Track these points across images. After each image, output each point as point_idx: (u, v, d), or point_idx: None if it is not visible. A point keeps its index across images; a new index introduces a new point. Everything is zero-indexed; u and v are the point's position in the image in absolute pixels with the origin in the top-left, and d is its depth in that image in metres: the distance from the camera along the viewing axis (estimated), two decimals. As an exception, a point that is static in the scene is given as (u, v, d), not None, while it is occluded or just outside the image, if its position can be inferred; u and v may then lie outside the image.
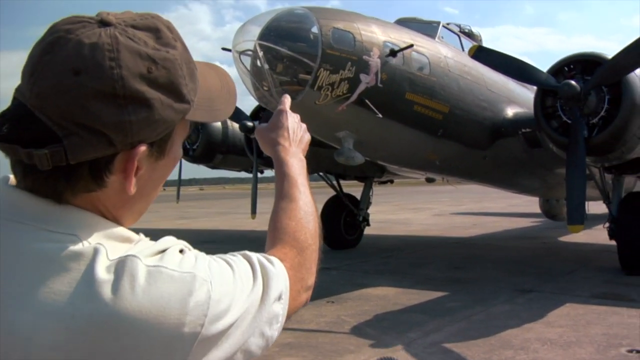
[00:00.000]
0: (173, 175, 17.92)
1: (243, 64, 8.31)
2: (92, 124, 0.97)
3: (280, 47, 7.94)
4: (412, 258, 12.92)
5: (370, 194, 15.84)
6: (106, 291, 0.94)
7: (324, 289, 9.27)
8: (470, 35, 12.18)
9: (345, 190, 15.59)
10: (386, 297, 8.75)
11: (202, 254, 1.11)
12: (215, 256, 1.15)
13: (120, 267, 0.98)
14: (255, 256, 1.20)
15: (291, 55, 7.98)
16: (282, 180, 1.48)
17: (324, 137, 9.52)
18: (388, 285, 9.56)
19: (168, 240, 1.10)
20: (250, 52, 8.17)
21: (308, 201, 1.47)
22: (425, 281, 9.91)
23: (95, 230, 1.04)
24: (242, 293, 1.10)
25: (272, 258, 1.23)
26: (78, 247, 0.99)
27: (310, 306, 8.10)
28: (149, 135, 1.04)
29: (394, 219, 24.51)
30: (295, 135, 1.60)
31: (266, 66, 8.04)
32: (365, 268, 11.56)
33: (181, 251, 1.08)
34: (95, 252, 0.99)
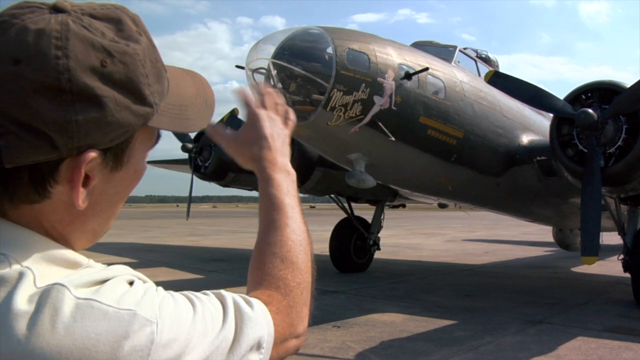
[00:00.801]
0: (186, 192, 17.93)
1: (256, 82, 8.25)
2: (32, 121, 0.83)
3: (294, 66, 7.87)
4: (422, 284, 12.74)
5: (382, 217, 15.71)
6: (21, 326, 0.78)
7: (330, 313, 9.14)
8: (487, 60, 12.10)
9: (357, 212, 15.47)
10: (393, 324, 8.58)
11: (156, 288, 0.93)
12: (178, 293, 0.96)
13: (44, 297, 0.81)
14: (230, 296, 1.02)
15: (305, 75, 7.90)
16: (267, 203, 1.24)
17: (336, 158, 9.45)
18: (396, 312, 9.39)
19: (116, 270, 0.92)
20: (263, 70, 8.11)
21: (297, 227, 1.23)
22: (434, 308, 9.73)
23: (30, 250, 0.87)
24: (204, 337, 0.92)
25: (252, 300, 1.05)
26: (2, 269, 0.83)
27: (315, 330, 7.97)
28: (101, 140, 0.89)
29: (405, 243, 24.33)
30: (275, 141, 1.32)
31: (279, 85, 7.97)
32: (373, 293, 11.40)
33: (131, 283, 0.90)
34: (20, 277, 0.83)
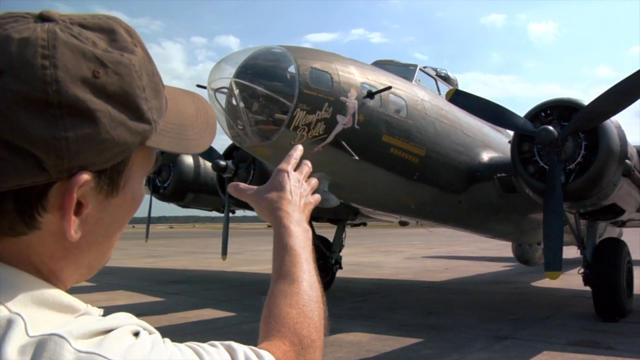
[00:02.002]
0: (142, 213, 17.74)
1: (218, 101, 8.16)
2: (16, 139, 0.73)
3: (257, 86, 7.81)
4: (385, 302, 12.72)
5: (343, 236, 15.68)
6: None
7: (296, 334, 9.02)
8: (446, 79, 12.23)
9: (317, 231, 15.40)
10: (360, 344, 8.52)
11: (164, 341, 0.84)
12: (186, 344, 0.87)
13: (39, 350, 0.71)
14: (241, 350, 0.92)
15: (267, 94, 7.85)
16: (283, 254, 1.19)
17: (299, 178, 9.38)
18: (362, 331, 9.34)
19: (120, 318, 0.82)
20: (225, 90, 8.03)
21: (313, 282, 1.18)
22: (399, 327, 9.70)
23: (17, 291, 0.77)
24: None
25: (263, 353, 0.96)
26: None
27: (282, 352, 7.84)
28: (94, 160, 0.79)
29: (365, 261, 24.36)
30: (298, 198, 1.31)
31: (241, 104, 7.90)
32: (338, 312, 11.31)
33: (136, 334, 0.81)
34: (9, 324, 0.72)
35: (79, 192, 0.80)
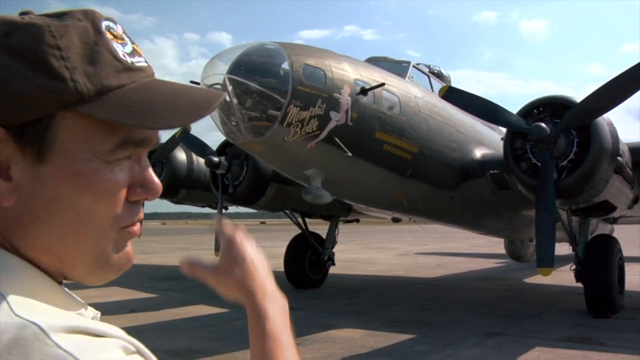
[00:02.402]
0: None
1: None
2: None
3: (250, 82, 7.81)
4: (378, 299, 12.75)
5: (336, 232, 15.71)
6: None
7: (289, 330, 9.04)
8: (439, 76, 12.25)
9: (310, 228, 15.42)
10: (352, 340, 8.54)
11: None
12: None
13: (17, 338, 0.71)
14: None
15: (261, 91, 7.85)
16: (263, 341, 1.08)
17: (292, 174, 9.40)
18: (354, 327, 9.35)
19: (113, 329, 0.82)
20: (219, 86, 8.02)
21: None
22: (392, 323, 9.73)
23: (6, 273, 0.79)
24: None
25: None
26: None
27: (275, 348, 7.85)
28: None
29: (358, 258, 24.39)
30: (257, 264, 1.17)
31: (235, 101, 7.89)
32: (330, 309, 11.35)
33: (126, 351, 0.80)
34: None
35: (2, 153, 0.82)
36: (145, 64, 0.94)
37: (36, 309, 0.75)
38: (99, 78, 0.85)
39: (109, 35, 0.89)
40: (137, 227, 0.96)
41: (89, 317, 0.85)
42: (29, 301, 0.77)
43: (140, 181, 0.93)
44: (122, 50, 0.89)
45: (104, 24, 0.89)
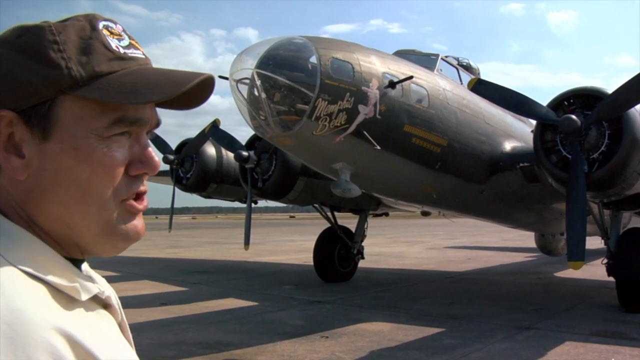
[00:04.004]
0: (166, 204, 17.82)
1: (240, 92, 8.20)
2: None
3: (278, 76, 7.84)
4: (407, 292, 12.72)
5: (365, 226, 15.69)
6: None
7: (317, 324, 9.09)
8: (468, 68, 12.16)
9: (340, 222, 15.43)
10: (381, 333, 8.55)
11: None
12: None
13: None
14: None
15: (289, 85, 7.87)
16: None
17: (321, 168, 9.42)
18: (383, 321, 9.36)
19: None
20: (247, 81, 8.07)
21: None
22: (421, 317, 9.71)
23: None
24: None
25: None
26: None
27: (303, 341, 7.93)
28: (8, 97, 0.95)
29: (387, 251, 24.34)
30: None
31: (263, 95, 7.93)
32: (359, 302, 11.36)
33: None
34: None
35: (17, 135, 0.96)
36: (141, 55, 1.06)
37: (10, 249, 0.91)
38: (90, 65, 0.98)
39: (105, 32, 1.02)
40: (140, 202, 1.06)
41: (83, 289, 0.96)
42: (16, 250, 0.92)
43: (140, 157, 1.04)
44: (116, 43, 1.03)
45: (102, 23, 1.03)
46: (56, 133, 0.96)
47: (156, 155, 1.07)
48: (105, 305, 1.06)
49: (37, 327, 0.83)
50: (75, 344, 0.86)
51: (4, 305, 0.82)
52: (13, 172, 0.95)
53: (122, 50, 1.02)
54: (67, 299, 0.93)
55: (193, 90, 1.04)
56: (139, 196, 1.05)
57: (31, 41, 0.96)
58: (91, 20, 1.02)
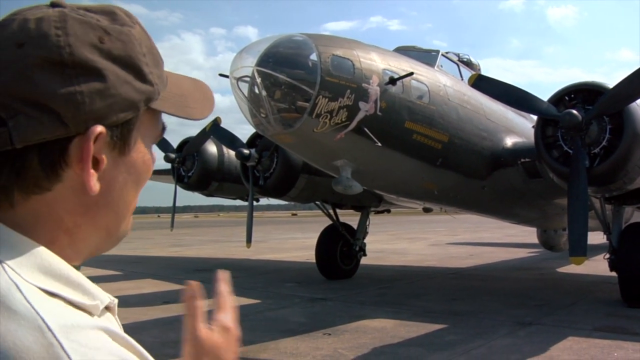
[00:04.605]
0: (167, 202, 17.87)
1: (241, 90, 8.20)
2: (39, 97, 0.84)
3: (279, 74, 7.83)
4: (409, 289, 12.73)
5: (367, 223, 15.69)
6: None
7: (320, 321, 9.10)
8: (469, 64, 12.14)
9: (341, 219, 15.43)
10: (384, 330, 8.55)
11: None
12: None
13: None
14: None
15: (289, 82, 7.87)
16: None
17: (322, 165, 9.41)
18: (386, 317, 9.36)
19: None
20: (248, 79, 8.06)
21: None
22: (423, 313, 9.72)
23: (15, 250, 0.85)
24: None
25: None
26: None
27: (306, 338, 7.93)
28: (106, 114, 0.88)
29: (389, 248, 24.36)
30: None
31: (264, 93, 7.93)
32: (362, 299, 11.37)
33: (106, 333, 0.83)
34: None
35: (96, 147, 0.88)
36: None
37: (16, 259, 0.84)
38: (162, 78, 0.99)
39: None
40: None
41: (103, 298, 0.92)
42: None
43: None
44: None
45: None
46: (133, 146, 0.96)
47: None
48: (107, 307, 1.01)
49: (93, 331, 0.80)
50: (119, 339, 0.84)
51: (55, 324, 0.77)
52: (89, 184, 0.88)
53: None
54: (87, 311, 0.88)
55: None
56: None
57: (125, 51, 0.91)
58: (139, 24, 0.98)
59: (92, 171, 0.88)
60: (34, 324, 0.76)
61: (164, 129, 1.05)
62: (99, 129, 0.87)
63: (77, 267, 0.97)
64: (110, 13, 0.94)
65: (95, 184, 0.89)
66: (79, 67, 0.86)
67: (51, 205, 0.89)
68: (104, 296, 0.93)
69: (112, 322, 0.96)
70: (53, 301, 0.82)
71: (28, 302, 0.78)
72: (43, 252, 0.87)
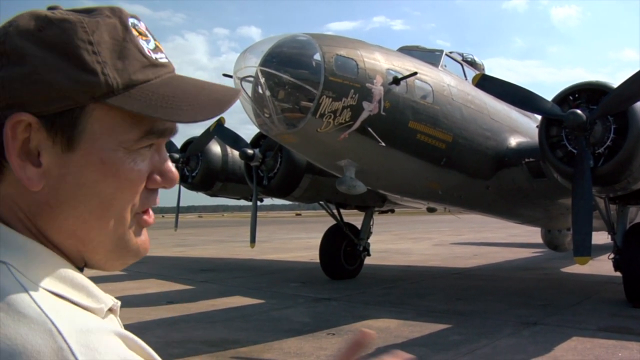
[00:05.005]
0: (171, 202, 17.83)
1: (244, 90, 8.20)
2: None
3: (282, 74, 7.83)
4: (413, 289, 12.71)
5: (371, 223, 15.68)
6: None
7: (323, 321, 9.09)
8: (472, 64, 12.13)
9: (345, 219, 15.43)
10: (388, 330, 8.54)
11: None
12: None
13: None
14: None
15: (293, 82, 7.87)
16: None
17: (326, 165, 9.42)
18: (390, 317, 9.35)
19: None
20: (251, 79, 8.06)
21: None
22: (427, 313, 9.70)
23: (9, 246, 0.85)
24: None
25: None
26: None
27: (310, 338, 7.93)
28: (30, 101, 0.85)
29: (393, 248, 24.33)
30: None
31: (267, 93, 7.93)
32: (366, 299, 11.36)
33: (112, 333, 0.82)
34: None
35: (33, 141, 0.86)
36: (167, 60, 0.99)
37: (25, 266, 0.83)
38: (127, 72, 0.90)
39: (134, 32, 0.94)
40: (150, 215, 1.01)
41: (99, 306, 0.89)
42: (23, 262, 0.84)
43: (160, 170, 0.98)
44: (146, 47, 0.95)
45: (130, 21, 0.95)
46: (82, 144, 0.89)
47: (174, 167, 1.01)
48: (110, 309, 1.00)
49: (102, 334, 0.79)
50: (130, 343, 0.83)
51: (64, 328, 0.76)
52: (28, 182, 0.86)
53: (153, 56, 0.95)
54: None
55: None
56: (147, 209, 1.00)
57: (60, 37, 0.86)
58: (121, 18, 0.93)
59: (19, 161, 0.86)
60: (44, 327, 0.75)
61: (171, 132, 0.98)
62: (22, 116, 0.84)
63: (81, 269, 0.97)
64: (92, 10, 0.93)
65: (28, 177, 0.86)
66: (7, 54, 0.85)
67: (12, 202, 0.89)
68: (107, 299, 0.93)
69: (115, 324, 0.95)
70: (61, 303, 0.81)
71: (37, 304, 0.77)
72: (46, 254, 0.87)
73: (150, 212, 1.01)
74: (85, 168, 0.89)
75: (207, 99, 0.97)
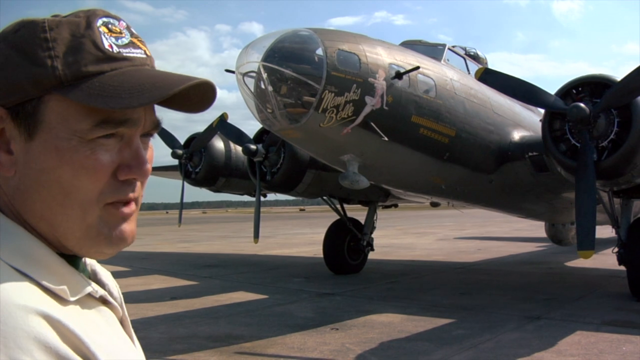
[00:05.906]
0: (175, 198, 17.81)
1: (247, 86, 8.19)
2: None
3: (284, 69, 7.82)
4: (417, 283, 12.72)
5: (375, 218, 15.68)
6: None
7: (327, 316, 9.10)
8: (475, 58, 12.10)
9: (349, 214, 15.43)
10: (391, 324, 8.55)
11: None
12: None
13: None
14: None
15: (295, 77, 7.85)
16: None
17: (329, 160, 9.40)
18: (393, 312, 9.36)
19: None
20: (254, 74, 8.06)
21: None
22: (431, 307, 9.71)
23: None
24: None
25: None
26: None
27: (313, 333, 7.93)
28: (0, 94, 0.95)
29: (397, 243, 24.34)
30: None
31: (270, 88, 7.92)
32: (369, 294, 11.37)
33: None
34: None
35: (7, 131, 0.96)
36: (139, 55, 1.03)
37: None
38: (77, 65, 0.96)
39: (103, 29, 0.99)
40: (127, 207, 1.02)
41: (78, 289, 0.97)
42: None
43: (129, 162, 1.00)
44: (111, 42, 0.99)
45: (102, 20, 1.00)
46: (40, 132, 0.96)
47: (147, 161, 1.03)
48: (106, 301, 1.06)
49: (18, 311, 0.82)
50: (62, 328, 0.85)
51: None
52: (1, 169, 0.96)
53: (115, 50, 0.99)
54: (57, 296, 0.92)
55: (193, 96, 1.03)
56: (128, 201, 1.02)
57: (24, 37, 0.95)
58: (89, 17, 0.99)
59: (2, 154, 0.96)
60: None
61: (134, 123, 1.00)
62: None
63: (78, 260, 1.05)
64: (77, 12, 1.01)
65: (2, 164, 0.96)
66: None
67: None
68: (83, 285, 0.99)
69: (102, 313, 1.02)
70: (7, 273, 0.88)
71: None
72: (18, 231, 0.96)
73: (132, 204, 1.03)
74: (43, 155, 0.96)
75: (151, 87, 0.97)
